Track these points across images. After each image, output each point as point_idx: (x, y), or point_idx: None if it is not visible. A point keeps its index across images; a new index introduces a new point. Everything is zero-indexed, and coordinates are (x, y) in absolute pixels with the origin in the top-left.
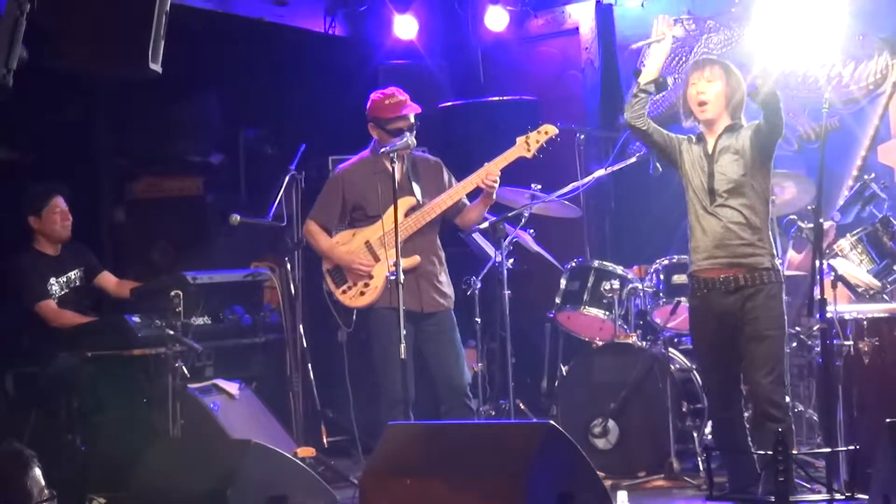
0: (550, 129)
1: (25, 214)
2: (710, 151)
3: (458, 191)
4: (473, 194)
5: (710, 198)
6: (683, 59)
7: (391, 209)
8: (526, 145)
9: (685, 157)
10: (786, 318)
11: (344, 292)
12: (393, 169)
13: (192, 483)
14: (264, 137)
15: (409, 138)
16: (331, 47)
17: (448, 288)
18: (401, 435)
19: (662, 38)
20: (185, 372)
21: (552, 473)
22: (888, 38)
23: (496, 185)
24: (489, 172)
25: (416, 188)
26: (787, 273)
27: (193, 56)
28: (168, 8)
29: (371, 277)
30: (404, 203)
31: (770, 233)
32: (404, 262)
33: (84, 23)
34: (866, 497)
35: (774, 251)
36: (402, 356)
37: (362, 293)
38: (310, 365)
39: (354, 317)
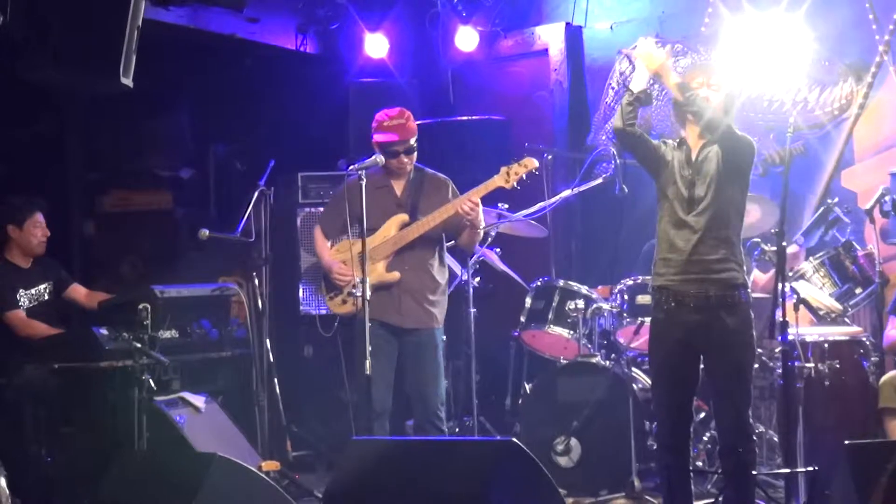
0: (531, 163)
1: (5, 223)
2: (693, 159)
3: (438, 214)
4: None
5: (689, 206)
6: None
7: (386, 224)
8: (507, 176)
9: (671, 163)
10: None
11: (331, 298)
12: (363, 188)
13: (157, 496)
14: (234, 153)
15: (377, 157)
16: (302, 64)
17: (438, 308)
18: (364, 451)
19: (648, 54)
20: (152, 385)
21: (513, 491)
22: (853, 64)
23: (474, 213)
24: (467, 199)
25: (417, 205)
26: (753, 296)
27: (165, 71)
28: (140, 23)
29: (353, 287)
30: (397, 219)
31: (741, 247)
32: (386, 277)
33: (56, 37)
34: None
35: (745, 267)
36: (368, 372)
37: (345, 301)
38: (276, 379)
39: (336, 323)
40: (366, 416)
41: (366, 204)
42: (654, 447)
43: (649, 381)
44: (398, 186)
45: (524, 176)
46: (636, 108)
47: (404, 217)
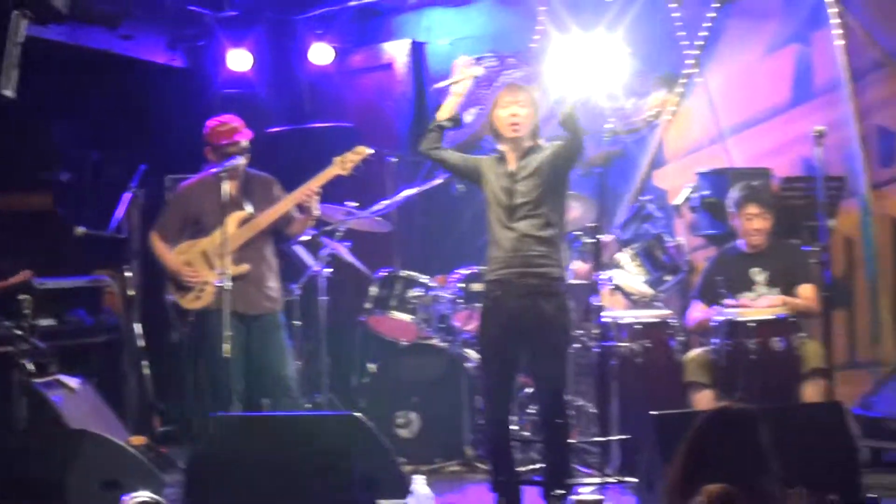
0: (363, 150)
1: None
2: (512, 170)
3: (283, 205)
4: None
5: (509, 214)
6: (488, 90)
7: (225, 221)
8: (342, 164)
9: (489, 176)
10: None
11: (183, 296)
12: (224, 186)
13: (35, 470)
14: (109, 158)
15: (238, 160)
16: (171, 77)
17: (277, 293)
18: (223, 425)
19: (462, 78)
20: (31, 368)
21: (357, 459)
22: (664, 76)
23: (315, 201)
24: (310, 189)
25: (249, 203)
26: (573, 282)
27: (46, 83)
28: (22, 39)
29: (206, 283)
30: (236, 216)
31: (563, 246)
32: (235, 270)
33: None
34: (635, 480)
35: (563, 262)
36: (227, 354)
37: (197, 297)
38: (145, 362)
39: (192, 318)
40: (224, 395)
41: (203, 206)
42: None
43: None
44: (232, 187)
45: (360, 163)
46: (440, 133)
47: (243, 214)
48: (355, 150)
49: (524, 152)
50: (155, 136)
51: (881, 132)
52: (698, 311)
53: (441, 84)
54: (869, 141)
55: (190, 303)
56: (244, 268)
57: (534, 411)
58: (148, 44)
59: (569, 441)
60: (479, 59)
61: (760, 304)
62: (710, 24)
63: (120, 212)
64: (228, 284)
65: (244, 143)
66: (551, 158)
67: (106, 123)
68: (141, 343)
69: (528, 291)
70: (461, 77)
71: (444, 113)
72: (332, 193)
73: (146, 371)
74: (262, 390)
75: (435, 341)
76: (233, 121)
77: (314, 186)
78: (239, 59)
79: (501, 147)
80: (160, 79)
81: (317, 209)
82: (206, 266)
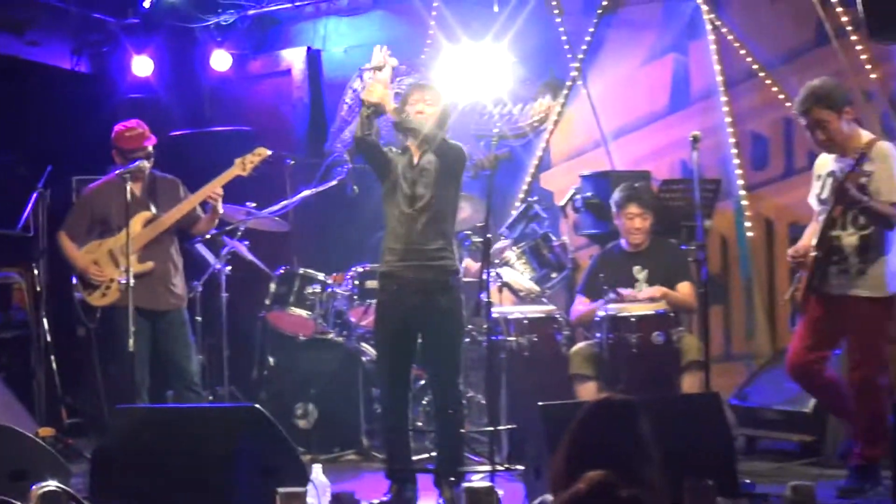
0: (263, 152)
1: None
2: (415, 163)
3: (186, 205)
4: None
5: (411, 203)
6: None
7: (131, 221)
8: (242, 165)
9: (395, 168)
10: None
11: (90, 293)
12: (129, 189)
13: None
14: (18, 159)
15: (141, 163)
16: (77, 82)
17: (181, 290)
18: (127, 417)
19: (383, 64)
20: None
21: (257, 449)
22: (549, 82)
23: (219, 199)
24: (212, 189)
25: (153, 204)
26: (464, 280)
27: None
28: None
29: (111, 281)
30: (141, 216)
31: (453, 238)
32: (139, 268)
33: None
34: (522, 468)
35: (456, 254)
36: (131, 349)
37: (104, 294)
38: (52, 357)
39: (98, 314)
40: (130, 388)
41: (110, 206)
42: (379, 410)
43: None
44: (136, 188)
45: (259, 164)
46: (373, 118)
47: (148, 214)
48: (255, 152)
49: (426, 149)
50: (61, 138)
51: (754, 137)
52: (582, 306)
53: (365, 67)
54: (742, 146)
55: (97, 300)
56: (148, 265)
57: (427, 401)
58: (54, 50)
59: (461, 431)
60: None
61: (642, 295)
62: (592, 35)
63: (27, 211)
64: (132, 282)
65: (149, 147)
66: (444, 160)
67: (13, 126)
68: (49, 338)
69: (425, 285)
70: (381, 63)
71: (371, 95)
72: (232, 194)
73: (54, 365)
74: (167, 383)
75: (332, 336)
76: (139, 126)
77: (217, 187)
78: (142, 65)
79: (408, 142)
80: (66, 83)
81: (220, 208)
82: (112, 264)
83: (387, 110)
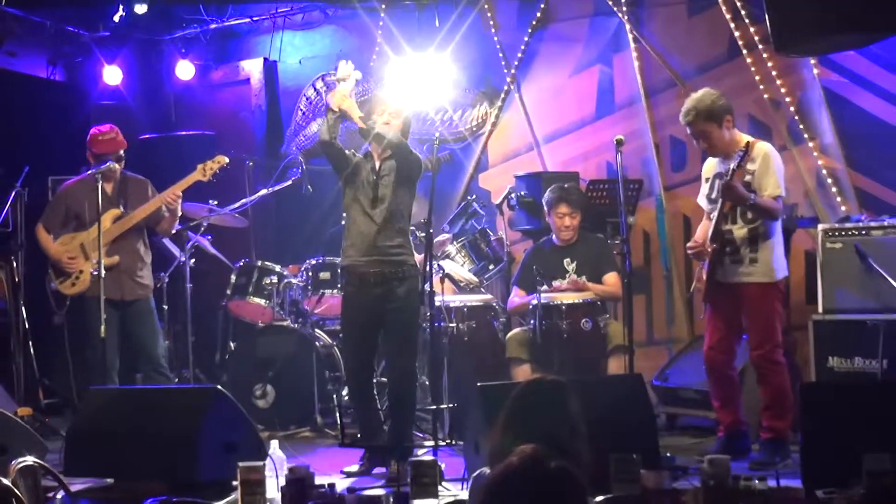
0: (222, 160)
1: None
2: (377, 167)
3: (150, 206)
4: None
5: (373, 204)
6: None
7: (102, 218)
8: (203, 171)
9: (358, 171)
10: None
11: (61, 282)
12: (100, 187)
13: None
14: None
15: (112, 164)
16: (52, 90)
17: (147, 281)
18: (99, 397)
19: (347, 76)
20: None
21: (219, 427)
22: (486, 91)
23: (178, 202)
24: (173, 192)
25: (123, 202)
26: None
27: None
28: None
29: (81, 272)
30: (111, 214)
31: (409, 235)
32: (107, 261)
33: None
34: (462, 443)
35: (412, 249)
36: (102, 335)
37: (73, 284)
38: (30, 342)
39: (68, 302)
40: (101, 371)
41: (83, 203)
42: (333, 391)
43: (329, 340)
44: (108, 187)
45: (218, 170)
46: (339, 123)
47: (117, 211)
48: (215, 159)
49: (388, 154)
50: (38, 141)
51: (673, 141)
52: (517, 297)
53: (330, 78)
54: (662, 149)
55: (67, 288)
56: (115, 259)
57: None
58: (31, 60)
59: (415, 409)
60: (324, 76)
61: (565, 285)
62: (525, 47)
63: (6, 208)
64: (104, 272)
65: (120, 150)
66: (404, 166)
67: None
68: (27, 325)
69: (384, 277)
70: (346, 75)
71: (336, 101)
72: (196, 192)
73: (32, 350)
74: (135, 367)
75: (287, 323)
76: (112, 131)
77: (177, 191)
78: (113, 74)
79: (371, 148)
80: (42, 91)
81: (179, 210)
82: (83, 256)
83: (353, 118)
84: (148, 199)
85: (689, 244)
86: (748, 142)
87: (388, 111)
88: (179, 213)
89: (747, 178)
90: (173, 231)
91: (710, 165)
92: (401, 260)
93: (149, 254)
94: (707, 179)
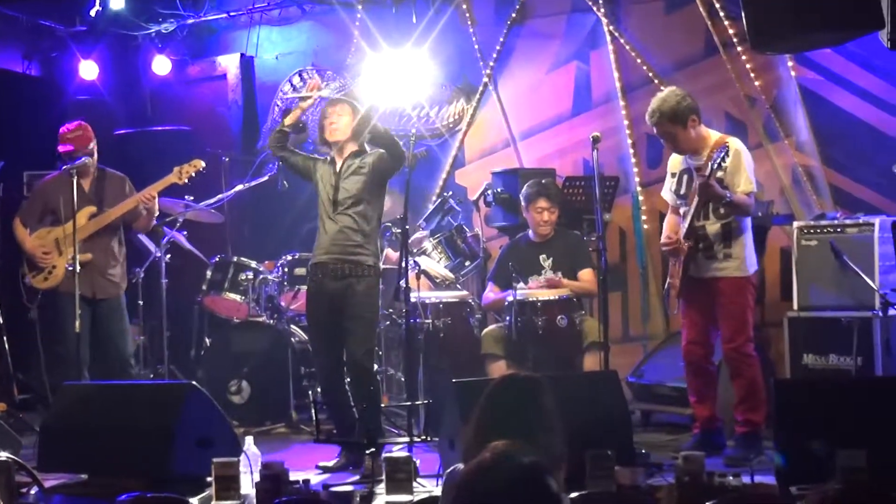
0: (199, 164)
1: None
2: (337, 170)
3: (125, 205)
4: None
5: (334, 207)
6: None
7: (78, 214)
8: (179, 174)
9: (319, 175)
10: (380, 304)
11: (34, 276)
12: (75, 183)
13: None
14: None
15: (86, 160)
16: (28, 85)
17: (119, 279)
18: (73, 393)
19: (310, 96)
20: None
21: (194, 423)
22: (463, 87)
23: (153, 202)
24: (149, 193)
25: (100, 199)
26: (385, 267)
27: None
28: None
29: (54, 267)
30: (87, 211)
31: (377, 238)
32: (80, 257)
33: None
34: (437, 439)
35: (378, 253)
36: (77, 330)
37: (46, 278)
38: (4, 337)
39: (39, 296)
40: (75, 367)
41: (58, 199)
42: (308, 387)
43: (304, 336)
44: (85, 183)
45: (194, 174)
46: (286, 136)
47: (92, 209)
48: (192, 163)
49: (348, 155)
50: (14, 136)
51: (649, 138)
52: (493, 293)
53: (291, 96)
54: (638, 146)
55: (40, 283)
56: (87, 256)
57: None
58: (7, 55)
59: (380, 405)
60: (300, 71)
61: (539, 282)
62: (502, 44)
63: None
64: (78, 269)
65: (89, 145)
66: (377, 163)
67: None
68: (1, 320)
69: (343, 273)
70: (309, 94)
71: (290, 120)
72: (172, 188)
73: (6, 345)
74: (104, 363)
75: (263, 319)
76: (79, 127)
77: (153, 192)
78: (89, 70)
79: (331, 151)
80: (18, 86)
81: (155, 209)
82: (57, 251)
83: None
84: (125, 196)
85: (662, 241)
86: (727, 142)
87: (335, 113)
88: (156, 213)
89: (719, 174)
90: (150, 228)
91: (677, 161)
92: (359, 260)
93: (123, 252)
94: (673, 174)
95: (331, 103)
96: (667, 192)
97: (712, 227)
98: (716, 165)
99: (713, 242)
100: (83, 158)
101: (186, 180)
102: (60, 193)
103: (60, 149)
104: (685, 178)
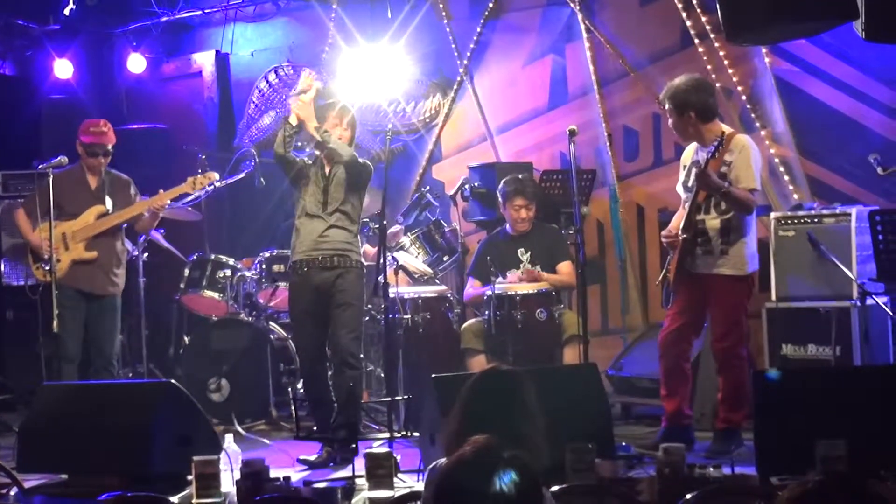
0: (213, 176)
1: None
2: (326, 173)
3: (135, 208)
4: None
5: (323, 207)
6: (284, 96)
7: (86, 212)
8: (192, 184)
9: (310, 176)
10: (365, 296)
11: (38, 268)
12: (50, 179)
13: None
14: None
15: (62, 158)
16: (2, 84)
17: (120, 279)
18: (53, 393)
19: (308, 88)
20: None
21: (173, 421)
22: (438, 82)
23: (164, 208)
24: (162, 200)
25: (109, 199)
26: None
27: None
28: None
29: (59, 260)
30: (96, 209)
31: (358, 236)
32: (85, 255)
33: None
34: (418, 434)
35: (360, 250)
36: (55, 330)
37: (49, 271)
38: None
39: (41, 289)
40: (56, 365)
41: (67, 194)
42: (288, 384)
43: (284, 333)
44: (92, 181)
45: (206, 186)
46: (294, 138)
47: (101, 208)
48: (206, 175)
49: (337, 161)
50: None
51: (626, 131)
52: (473, 288)
53: (292, 93)
54: (615, 139)
55: (42, 275)
56: (93, 254)
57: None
58: None
59: (360, 400)
60: (276, 68)
61: (525, 276)
62: (477, 38)
63: None
64: (55, 267)
65: (108, 145)
66: (352, 172)
67: None
68: None
69: (328, 265)
70: (306, 86)
71: (294, 118)
72: (148, 186)
73: None
74: (87, 360)
75: (242, 316)
76: (104, 125)
77: (166, 199)
78: (63, 68)
79: (319, 154)
80: None
81: (160, 214)
82: (62, 245)
83: (309, 129)
84: (130, 198)
85: (663, 233)
86: (724, 132)
87: (342, 125)
88: (160, 216)
89: (723, 168)
90: (151, 231)
91: (689, 153)
92: (345, 254)
93: (125, 253)
94: (685, 167)
95: (341, 111)
96: (679, 187)
97: (712, 221)
98: (709, 155)
99: (711, 237)
100: (61, 156)
101: (199, 191)
102: (68, 188)
103: (84, 139)
104: (693, 170)
